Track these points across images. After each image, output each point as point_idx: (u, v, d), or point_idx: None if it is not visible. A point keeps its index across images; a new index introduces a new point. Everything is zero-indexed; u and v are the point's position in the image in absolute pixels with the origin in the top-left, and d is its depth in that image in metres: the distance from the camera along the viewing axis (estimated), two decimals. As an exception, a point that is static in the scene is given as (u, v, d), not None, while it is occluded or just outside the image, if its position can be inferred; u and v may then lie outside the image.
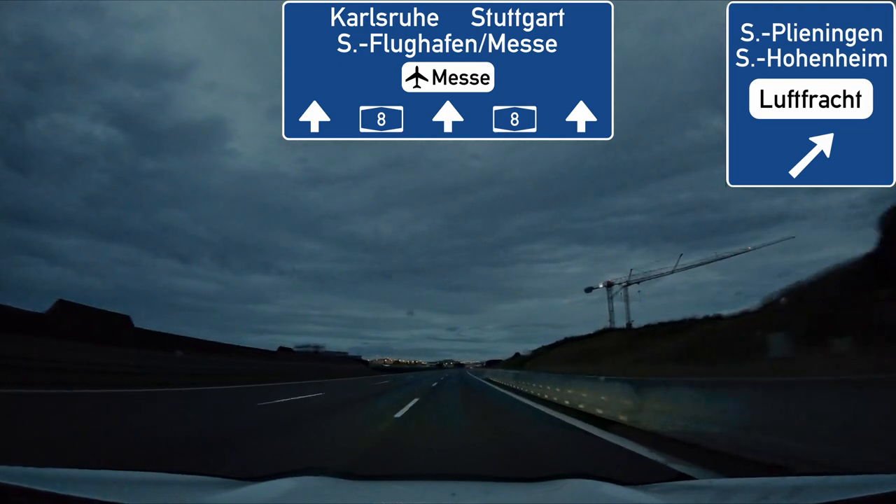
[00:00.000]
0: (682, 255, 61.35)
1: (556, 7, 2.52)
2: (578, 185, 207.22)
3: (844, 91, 2.56)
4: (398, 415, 7.56)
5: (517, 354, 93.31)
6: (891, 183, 2.61)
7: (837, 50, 2.53)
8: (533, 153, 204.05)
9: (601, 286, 70.40)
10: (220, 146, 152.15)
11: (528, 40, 2.52)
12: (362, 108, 2.58)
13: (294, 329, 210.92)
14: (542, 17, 2.52)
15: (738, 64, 2.58)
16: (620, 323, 58.93)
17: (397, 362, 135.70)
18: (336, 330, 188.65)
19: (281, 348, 47.54)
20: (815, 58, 2.54)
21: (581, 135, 2.60)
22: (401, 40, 2.52)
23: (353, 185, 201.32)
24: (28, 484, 0.99)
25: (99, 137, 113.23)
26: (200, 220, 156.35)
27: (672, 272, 60.63)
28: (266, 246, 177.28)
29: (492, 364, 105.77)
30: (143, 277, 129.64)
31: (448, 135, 2.57)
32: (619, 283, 67.81)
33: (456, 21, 2.53)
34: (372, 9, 2.53)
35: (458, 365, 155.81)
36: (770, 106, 2.60)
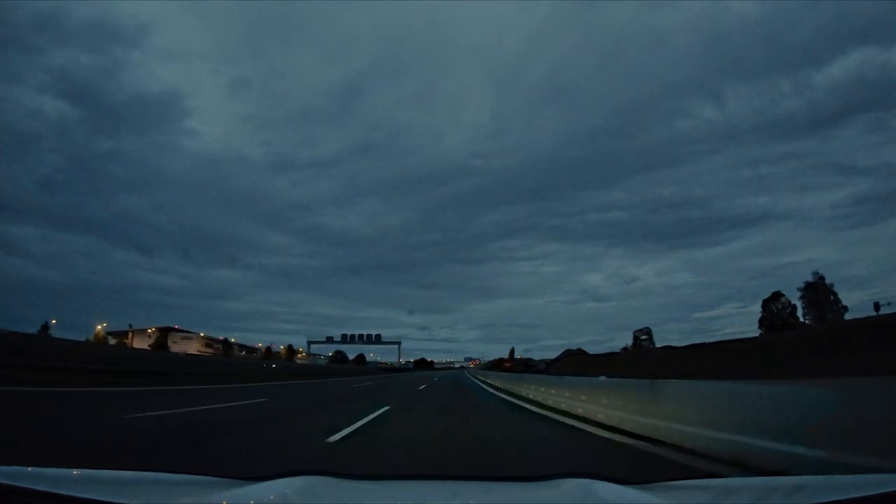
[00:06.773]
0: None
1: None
2: (559, 177, 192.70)
3: None
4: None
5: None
6: None
7: None
8: (513, 142, 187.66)
9: None
10: (179, 124, 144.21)
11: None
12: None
13: (263, 327, 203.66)
14: None
15: None
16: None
17: (292, 352, 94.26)
18: (305, 328, 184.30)
19: None
20: None
21: None
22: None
23: (321, 171, 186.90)
24: (28, 484, 0.99)
25: (49, 112, 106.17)
26: (160, 209, 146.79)
27: None
28: (230, 238, 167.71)
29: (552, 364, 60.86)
30: (106, 271, 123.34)
31: None
32: None
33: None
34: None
35: (426, 364, 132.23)
36: None
